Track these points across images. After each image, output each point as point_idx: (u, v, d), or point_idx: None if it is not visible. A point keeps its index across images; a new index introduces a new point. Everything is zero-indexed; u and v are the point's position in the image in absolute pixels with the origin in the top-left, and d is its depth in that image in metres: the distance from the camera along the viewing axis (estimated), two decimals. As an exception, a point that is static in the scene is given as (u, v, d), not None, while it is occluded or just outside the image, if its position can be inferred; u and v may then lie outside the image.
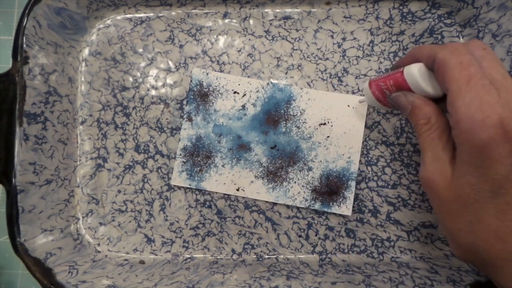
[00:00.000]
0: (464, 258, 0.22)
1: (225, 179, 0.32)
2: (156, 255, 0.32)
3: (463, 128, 0.19)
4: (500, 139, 0.18)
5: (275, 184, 0.31)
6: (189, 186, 0.32)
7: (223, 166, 0.32)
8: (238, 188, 0.31)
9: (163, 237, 0.32)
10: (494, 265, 0.19)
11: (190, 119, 0.32)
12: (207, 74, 0.32)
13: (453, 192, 0.20)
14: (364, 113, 0.31)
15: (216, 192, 0.32)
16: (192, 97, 0.32)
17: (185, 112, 0.32)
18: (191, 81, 0.32)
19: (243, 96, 0.32)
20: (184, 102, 0.33)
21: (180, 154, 0.32)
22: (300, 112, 0.32)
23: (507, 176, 0.18)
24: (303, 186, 0.31)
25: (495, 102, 0.18)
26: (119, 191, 0.32)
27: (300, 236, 0.31)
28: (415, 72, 0.22)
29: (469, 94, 0.19)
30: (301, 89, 0.32)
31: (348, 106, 0.31)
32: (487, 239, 0.19)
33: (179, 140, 0.32)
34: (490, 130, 0.18)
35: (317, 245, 0.31)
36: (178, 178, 0.32)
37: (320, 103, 0.32)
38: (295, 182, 0.31)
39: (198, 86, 0.32)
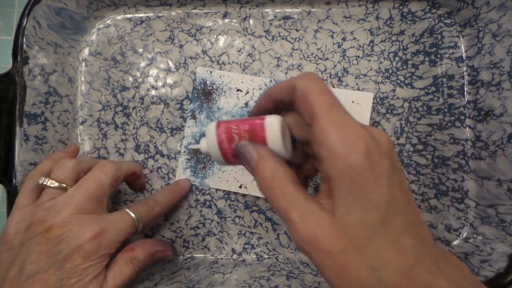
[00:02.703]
0: None
1: (228, 176, 0.32)
2: (156, 255, 0.32)
3: (338, 153, 0.17)
4: (371, 162, 0.17)
5: None
6: (193, 183, 0.32)
7: None
8: (241, 185, 0.31)
9: (163, 237, 0.32)
10: None
11: (194, 117, 0.32)
12: (211, 72, 0.32)
13: (341, 239, 0.17)
14: (369, 109, 0.31)
15: (216, 192, 0.32)
16: (196, 95, 0.32)
17: (189, 110, 0.32)
18: (195, 79, 0.33)
19: (246, 93, 0.32)
20: (184, 102, 0.33)
21: (184, 151, 0.32)
22: None
23: (390, 200, 0.17)
24: (303, 186, 0.31)
25: (357, 124, 0.18)
26: (119, 191, 0.32)
27: (300, 236, 0.31)
28: (277, 125, 0.19)
29: (333, 120, 0.18)
30: None
31: (353, 102, 0.31)
32: (395, 283, 0.16)
33: (183, 137, 0.32)
34: (360, 154, 0.17)
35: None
36: (182, 175, 0.32)
37: None
38: None
39: (202, 85, 0.32)
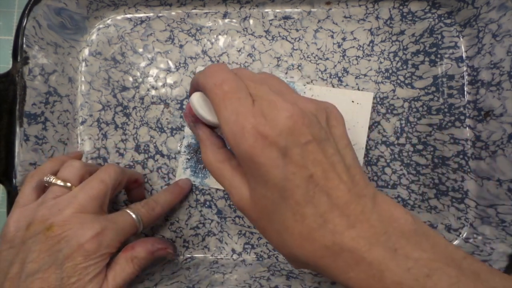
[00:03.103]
0: (297, 267, 0.21)
1: None
2: (156, 255, 0.32)
3: (231, 144, 0.19)
4: (261, 145, 0.18)
5: None
6: (193, 183, 0.32)
7: None
8: None
9: (163, 236, 0.32)
10: (317, 266, 0.19)
11: None
12: None
13: (256, 209, 0.20)
14: (369, 109, 0.31)
15: (216, 192, 0.32)
16: None
17: None
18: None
19: None
20: (184, 102, 0.33)
21: (185, 151, 0.32)
22: None
23: (286, 177, 0.18)
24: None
25: (248, 112, 0.19)
26: (119, 191, 0.32)
27: (300, 236, 0.31)
28: (194, 102, 0.23)
29: (225, 110, 0.19)
30: (304, 85, 0.32)
31: (353, 102, 0.31)
32: (297, 245, 0.19)
33: (183, 137, 0.32)
34: (250, 140, 0.18)
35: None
36: (183, 175, 0.32)
37: (324, 99, 0.31)
38: None
39: None
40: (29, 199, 0.25)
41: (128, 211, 0.26)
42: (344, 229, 0.18)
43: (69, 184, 0.25)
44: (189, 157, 0.32)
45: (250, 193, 0.20)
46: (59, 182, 0.25)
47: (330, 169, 0.19)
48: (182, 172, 0.32)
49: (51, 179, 0.25)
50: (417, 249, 0.18)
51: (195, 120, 0.25)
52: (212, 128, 0.25)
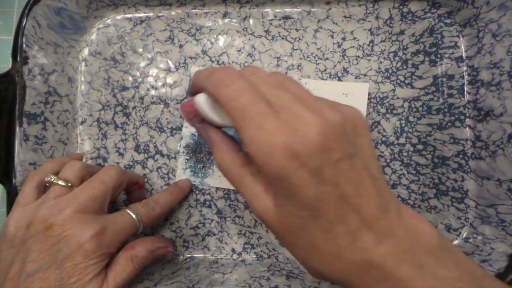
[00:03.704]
0: (318, 279, 0.21)
1: None
2: (156, 254, 0.32)
3: (259, 163, 0.18)
4: (294, 165, 0.17)
5: None
6: (193, 183, 0.32)
7: None
8: None
9: (163, 236, 0.32)
10: (344, 282, 0.19)
11: None
12: None
13: (282, 225, 0.19)
14: (365, 100, 0.31)
15: (216, 192, 0.32)
16: (190, 95, 0.32)
17: None
18: (190, 79, 0.32)
19: None
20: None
21: (183, 152, 0.32)
22: None
23: (318, 197, 0.17)
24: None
25: (275, 128, 0.17)
26: (120, 192, 0.32)
27: (300, 235, 0.31)
28: (201, 103, 0.21)
29: (248, 128, 0.18)
30: (299, 79, 0.32)
31: (343, 94, 0.31)
32: (326, 263, 0.19)
33: (181, 138, 0.32)
34: (281, 160, 0.17)
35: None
36: (183, 175, 0.32)
37: (320, 92, 0.32)
38: None
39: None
40: (29, 199, 0.25)
41: (128, 211, 0.26)
42: (373, 246, 0.18)
43: (70, 184, 0.25)
44: (188, 157, 0.32)
45: (275, 208, 0.19)
46: (60, 182, 0.25)
47: (361, 185, 0.18)
48: (182, 173, 0.32)
49: (52, 179, 0.25)
50: (442, 267, 0.18)
51: (202, 121, 0.23)
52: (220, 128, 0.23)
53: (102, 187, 0.25)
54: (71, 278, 0.22)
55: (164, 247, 0.28)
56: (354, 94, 0.31)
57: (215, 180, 0.32)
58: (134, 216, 0.26)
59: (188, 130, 0.32)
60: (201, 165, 0.32)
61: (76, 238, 0.22)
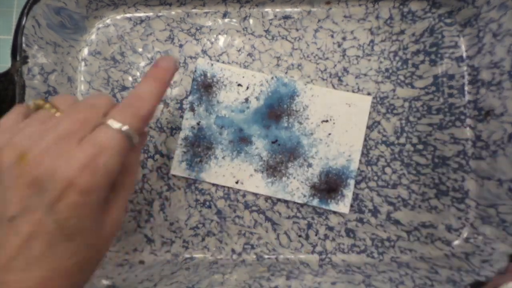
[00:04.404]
0: None
1: (225, 171, 0.32)
2: (156, 255, 0.32)
3: None
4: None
5: (274, 178, 0.31)
6: (188, 177, 0.32)
7: (223, 158, 0.32)
8: (237, 181, 0.31)
9: (163, 237, 0.32)
10: None
11: (192, 109, 0.32)
12: (212, 65, 0.32)
13: None
14: (367, 112, 0.31)
15: (216, 192, 0.32)
16: (195, 87, 0.32)
17: (187, 102, 0.32)
18: (195, 71, 0.32)
19: (247, 89, 0.32)
20: (184, 102, 0.33)
21: (181, 144, 0.32)
22: (303, 108, 0.32)
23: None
24: (302, 182, 0.31)
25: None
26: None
27: (300, 236, 0.31)
28: None
29: None
30: (305, 85, 0.32)
31: (346, 104, 0.31)
32: None
33: (181, 130, 0.32)
34: None
35: (317, 245, 0.31)
36: (178, 168, 0.32)
37: (324, 100, 0.32)
38: (294, 178, 0.31)
39: (202, 77, 0.32)
40: (10, 123, 0.21)
41: (108, 123, 0.20)
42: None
43: (59, 113, 0.21)
44: (185, 150, 0.32)
45: None
46: (47, 106, 0.21)
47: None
48: (178, 165, 0.32)
49: (40, 102, 0.22)
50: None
51: None
52: None
53: (93, 112, 0.21)
54: (69, 220, 0.19)
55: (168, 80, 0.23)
56: (357, 105, 0.31)
57: (211, 176, 0.32)
58: (117, 126, 0.20)
59: (188, 122, 0.32)
60: (198, 159, 0.32)
61: (62, 172, 0.18)
